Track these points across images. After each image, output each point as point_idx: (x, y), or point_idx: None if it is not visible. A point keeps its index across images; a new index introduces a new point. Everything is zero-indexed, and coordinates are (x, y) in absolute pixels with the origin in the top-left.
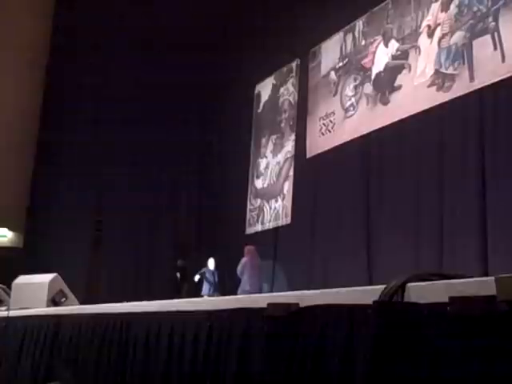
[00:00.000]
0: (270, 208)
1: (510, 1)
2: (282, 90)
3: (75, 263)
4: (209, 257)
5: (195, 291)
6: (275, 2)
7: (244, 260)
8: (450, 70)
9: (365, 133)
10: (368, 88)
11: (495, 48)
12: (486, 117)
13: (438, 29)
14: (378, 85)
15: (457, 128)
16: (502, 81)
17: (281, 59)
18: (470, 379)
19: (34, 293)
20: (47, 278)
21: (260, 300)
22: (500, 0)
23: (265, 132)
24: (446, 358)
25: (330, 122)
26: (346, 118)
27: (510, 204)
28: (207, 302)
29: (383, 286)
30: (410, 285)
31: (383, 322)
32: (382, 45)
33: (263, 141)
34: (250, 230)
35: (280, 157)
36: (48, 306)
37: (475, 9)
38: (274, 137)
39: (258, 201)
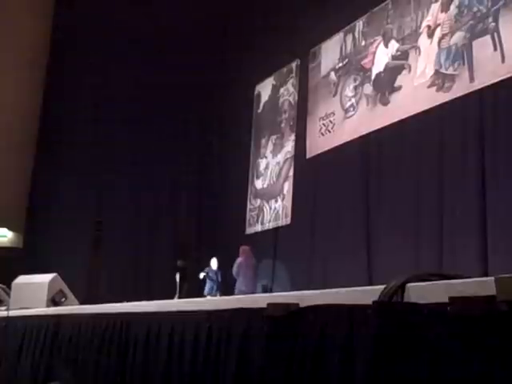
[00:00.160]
0: (270, 208)
1: (510, 1)
2: (281, 90)
3: (75, 263)
4: (210, 257)
5: (195, 291)
6: (275, 2)
7: (239, 260)
8: (450, 71)
9: (365, 133)
10: (368, 88)
11: (495, 48)
12: (486, 117)
13: (438, 29)
14: (377, 85)
15: (457, 128)
16: (501, 81)
17: (281, 59)
18: (470, 379)
19: (34, 293)
20: (47, 277)
21: (260, 300)
22: (500, 0)
23: (265, 132)
24: (446, 358)
25: (330, 122)
26: (345, 119)
27: (510, 204)
28: (207, 302)
29: (383, 287)
30: (409, 285)
31: (383, 322)
32: (381, 45)
33: (263, 141)
34: (249, 230)
35: (280, 157)
36: (48, 305)
37: (475, 9)
38: (273, 137)
39: (258, 201)
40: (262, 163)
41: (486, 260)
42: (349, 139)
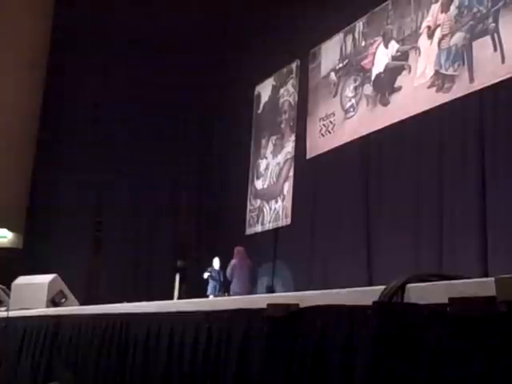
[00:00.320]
0: (270, 209)
1: (510, 2)
2: (281, 90)
3: (75, 264)
4: (210, 257)
5: (195, 292)
6: (275, 2)
7: (233, 262)
8: (450, 71)
9: (365, 134)
10: (368, 89)
11: (495, 49)
12: (486, 117)
13: (438, 30)
14: (377, 86)
15: (457, 129)
16: (501, 82)
17: (281, 60)
18: (470, 380)
19: (34, 293)
20: (47, 278)
21: (260, 300)
22: (500, 1)
23: (265, 133)
24: (446, 358)
25: (330, 122)
26: (345, 119)
27: (510, 204)
28: (207, 302)
29: (383, 287)
30: (409, 285)
31: (383, 322)
32: (381, 46)
33: (263, 141)
34: (249, 231)
35: (280, 157)
36: (48, 306)
37: (475, 10)
38: (274, 137)
39: (258, 201)
40: (262, 164)
41: (486, 260)
42: (349, 140)
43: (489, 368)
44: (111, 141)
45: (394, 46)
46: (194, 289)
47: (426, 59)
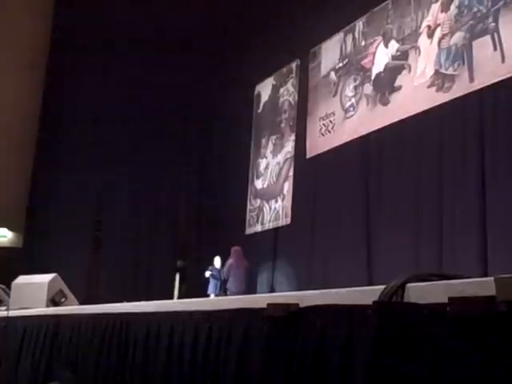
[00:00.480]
0: (270, 208)
1: (510, 1)
2: (281, 90)
3: (75, 263)
4: (210, 257)
5: (195, 291)
6: (275, 2)
7: (230, 261)
8: (450, 71)
9: (365, 133)
10: (368, 88)
11: (495, 49)
12: (486, 117)
13: (438, 29)
14: (377, 85)
15: (457, 128)
16: (501, 81)
17: (281, 59)
18: (470, 380)
19: (34, 293)
20: (47, 278)
21: (260, 300)
22: (500, 1)
23: (265, 132)
24: (446, 358)
25: (330, 122)
26: (345, 119)
27: (510, 204)
28: (207, 302)
29: (383, 287)
30: (409, 285)
31: (383, 322)
32: (381, 45)
33: (263, 141)
34: (249, 231)
35: (280, 157)
36: (48, 306)
37: (475, 9)
38: (273, 137)
39: (258, 201)
40: (262, 163)
41: (486, 260)
42: (349, 139)
43: (489, 368)
44: (111, 141)
45: (394, 45)
46: (194, 289)
47: (425, 59)
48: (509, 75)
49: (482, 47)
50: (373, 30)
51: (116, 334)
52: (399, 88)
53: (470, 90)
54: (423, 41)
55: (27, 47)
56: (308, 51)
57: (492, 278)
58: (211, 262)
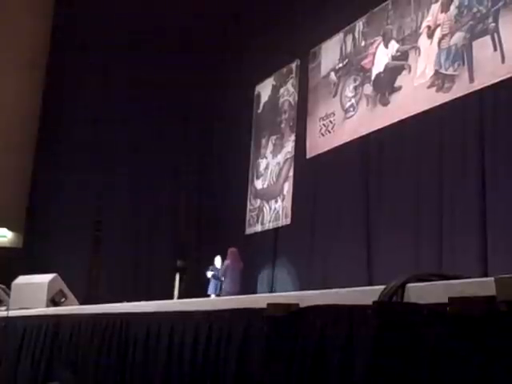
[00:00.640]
0: (270, 208)
1: (510, 2)
2: (281, 90)
3: (75, 263)
4: (210, 257)
5: (195, 291)
6: (275, 2)
7: (226, 263)
8: (450, 71)
9: (364, 133)
10: (368, 89)
11: (495, 49)
12: (486, 117)
13: (438, 30)
14: (377, 85)
15: (456, 129)
16: (501, 82)
17: (281, 60)
18: (470, 379)
19: (34, 293)
20: (47, 278)
21: (260, 300)
22: (500, 1)
23: (265, 133)
24: (446, 358)
25: (330, 122)
26: (345, 119)
27: (510, 204)
28: (207, 302)
29: (383, 287)
30: (409, 285)
31: (383, 322)
32: (381, 45)
33: (263, 141)
34: (249, 231)
35: (280, 157)
36: (48, 306)
37: (475, 10)
38: (273, 137)
39: (258, 201)
40: (262, 163)
41: (486, 260)
42: (349, 139)
43: (489, 368)
44: (111, 141)
45: (393, 45)
46: (194, 289)
47: (425, 59)
48: (509, 75)
49: (482, 47)
50: (373, 31)
51: (116, 333)
52: (399, 88)
53: (470, 91)
54: (423, 41)
55: (27, 47)
56: (308, 51)
57: (492, 278)
58: (211, 262)
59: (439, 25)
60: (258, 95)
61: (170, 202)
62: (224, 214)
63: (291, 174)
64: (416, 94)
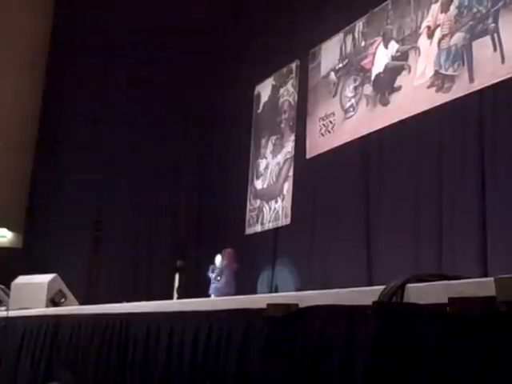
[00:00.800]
0: (270, 209)
1: (510, 2)
2: (281, 90)
3: (75, 263)
4: (210, 257)
5: (195, 291)
6: (275, 2)
7: (224, 263)
8: (450, 71)
9: (364, 133)
10: (368, 89)
11: (495, 49)
12: (486, 118)
13: (438, 30)
14: (377, 86)
15: (456, 129)
16: (501, 82)
17: (281, 60)
18: (470, 380)
19: (34, 293)
20: (46, 278)
21: (260, 300)
22: (500, 1)
23: (264, 133)
24: (446, 358)
25: (330, 122)
26: (345, 119)
27: (510, 204)
28: (207, 302)
29: (382, 287)
30: (409, 285)
31: (382, 322)
32: (381, 46)
33: (263, 141)
34: (249, 231)
35: (280, 157)
36: (47, 306)
37: (475, 10)
38: (273, 137)
39: (258, 201)
40: (262, 163)
41: (486, 260)
42: (349, 139)
43: (488, 368)
44: (111, 141)
45: (393, 46)
46: (194, 289)
47: (425, 59)
48: (509, 76)
49: (482, 48)
50: (373, 31)
51: (116, 333)
52: (399, 88)
53: (470, 91)
54: (423, 41)
55: (27, 47)
56: (308, 51)
57: (492, 279)
58: (211, 262)
59: (439, 25)
60: (258, 95)
61: (170, 201)
62: (224, 214)
63: (291, 174)
64: (416, 94)
